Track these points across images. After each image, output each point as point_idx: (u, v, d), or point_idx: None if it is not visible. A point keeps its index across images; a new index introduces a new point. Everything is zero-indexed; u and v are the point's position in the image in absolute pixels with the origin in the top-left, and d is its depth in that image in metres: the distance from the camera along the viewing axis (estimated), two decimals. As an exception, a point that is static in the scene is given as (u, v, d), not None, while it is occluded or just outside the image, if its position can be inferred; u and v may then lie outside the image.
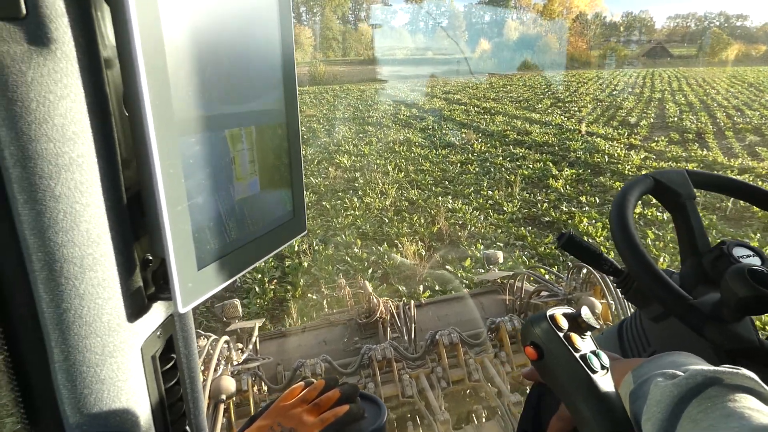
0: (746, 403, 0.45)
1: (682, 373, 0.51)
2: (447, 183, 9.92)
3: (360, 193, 9.15)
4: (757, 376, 0.50)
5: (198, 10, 0.51)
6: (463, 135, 15.25)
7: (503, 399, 2.30)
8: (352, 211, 8.01)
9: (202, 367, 2.22)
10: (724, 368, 0.50)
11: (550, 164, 11.13)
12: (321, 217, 8.01)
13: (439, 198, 8.78)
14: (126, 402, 0.52)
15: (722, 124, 16.07)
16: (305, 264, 5.82)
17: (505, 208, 8.10)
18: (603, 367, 0.59)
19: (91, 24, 0.46)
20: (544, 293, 2.91)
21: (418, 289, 5.24)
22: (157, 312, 0.57)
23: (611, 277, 0.97)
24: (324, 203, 8.53)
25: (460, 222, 7.44)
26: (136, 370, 0.54)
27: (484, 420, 2.48)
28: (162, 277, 0.56)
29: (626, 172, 10.39)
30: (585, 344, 0.60)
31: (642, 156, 11.73)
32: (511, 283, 3.19)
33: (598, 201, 8.47)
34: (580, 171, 10.55)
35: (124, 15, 0.43)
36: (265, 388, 2.43)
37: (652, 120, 17.39)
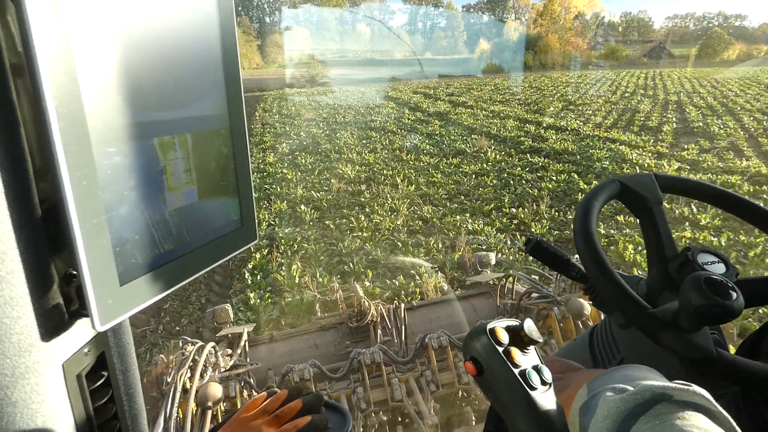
0: (695, 421, 0.44)
1: (631, 388, 0.50)
2: (463, 198, 8.88)
3: (367, 209, 8.19)
4: (709, 391, 0.49)
5: (118, 9, 0.50)
6: (474, 141, 14.11)
7: (493, 402, 2.28)
8: (360, 233, 7.04)
9: (189, 374, 2.20)
10: (675, 384, 0.48)
11: (575, 176, 10.01)
12: (324, 239, 6.98)
13: (456, 216, 7.72)
14: (43, 424, 0.50)
15: (752, 129, 14.71)
16: (307, 298, 4.72)
17: (532, 230, 7.10)
18: (544, 383, 0.57)
19: None
20: (534, 295, 2.88)
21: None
22: (85, 328, 0.56)
23: (579, 284, 0.96)
24: (327, 221, 7.60)
25: (484, 247, 6.36)
26: (55, 390, 0.52)
27: (474, 423, 2.46)
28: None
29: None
30: (527, 359, 0.58)
31: (675, 167, 10.61)
32: (502, 284, 3.17)
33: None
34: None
35: (23, 14, 0.41)
36: (254, 393, 2.41)
37: (675, 125, 16.22)
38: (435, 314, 3.17)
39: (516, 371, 0.56)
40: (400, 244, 6.63)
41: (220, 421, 2.23)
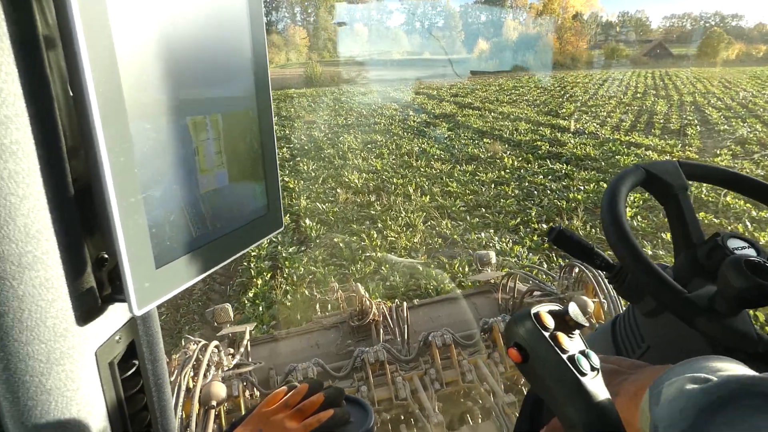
0: None
1: (714, 378, 0.46)
2: (484, 210, 8.09)
3: (379, 224, 7.32)
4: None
5: None
6: (486, 145, 13.37)
7: (497, 400, 2.27)
8: (373, 253, 6.23)
9: (192, 373, 2.17)
10: (763, 375, 0.44)
11: (605, 186, 8.78)
12: (334, 259, 6.23)
13: (480, 234, 6.88)
14: (77, 413, 0.48)
15: (784, 132, 13.75)
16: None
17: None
18: (593, 368, 0.55)
19: None
20: (536, 293, 2.88)
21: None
22: (116, 315, 0.53)
23: (604, 273, 0.94)
24: (335, 239, 6.74)
25: (521, 272, 5.15)
26: (89, 377, 0.50)
27: (479, 421, 2.45)
28: (118, 276, 0.52)
29: (708, 198, 7.99)
30: (573, 344, 0.56)
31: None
32: (504, 283, 3.17)
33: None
34: (646, 196, 7.77)
35: None
36: (257, 393, 2.39)
37: (698, 127, 15.29)
38: (436, 313, 3.16)
39: (564, 356, 0.54)
40: (420, 268, 5.77)
41: (223, 421, 2.20)
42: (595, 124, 16.49)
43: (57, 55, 0.45)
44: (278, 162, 0.72)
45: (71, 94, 0.46)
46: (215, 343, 2.34)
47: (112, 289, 0.52)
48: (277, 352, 2.83)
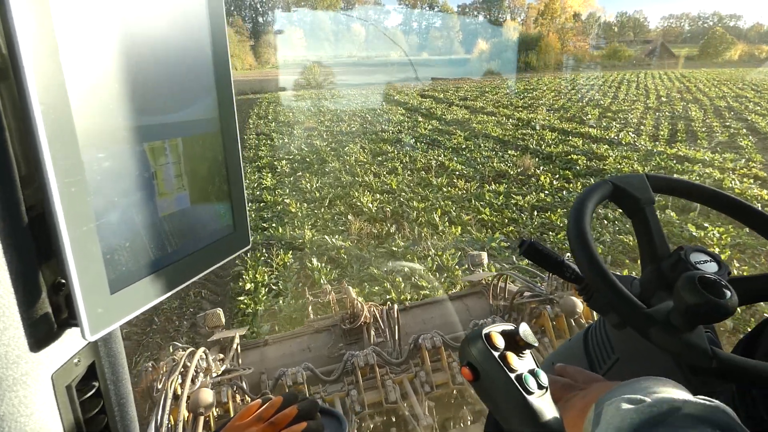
0: None
1: (649, 399, 0.48)
2: None
3: (405, 266, 5.90)
4: (705, 390, 0.48)
5: (108, 13, 0.48)
6: (514, 159, 11.55)
7: (487, 402, 2.28)
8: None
9: (180, 380, 2.17)
10: (697, 399, 0.46)
11: (672, 214, 7.20)
12: None
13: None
14: None
15: None
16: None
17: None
18: (540, 387, 0.57)
19: None
20: (527, 294, 2.89)
21: None
22: (75, 338, 0.54)
23: (574, 286, 0.96)
24: (351, 289, 4.77)
25: None
26: (45, 402, 0.50)
27: (469, 423, 2.46)
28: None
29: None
30: (522, 363, 0.58)
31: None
32: (495, 284, 3.18)
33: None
34: (730, 228, 6.43)
35: (8, 15, 0.40)
36: (247, 398, 2.39)
37: (750, 138, 13.43)
38: (428, 314, 3.17)
39: (512, 376, 0.56)
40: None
41: (212, 427, 2.21)
42: (629, 133, 14.62)
43: (9, 85, 0.46)
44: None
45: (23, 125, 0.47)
46: (203, 349, 2.34)
47: (68, 313, 0.52)
48: (269, 356, 2.84)
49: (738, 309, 0.74)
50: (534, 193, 8.86)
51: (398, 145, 14.34)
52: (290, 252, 6.52)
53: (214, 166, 0.66)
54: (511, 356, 0.57)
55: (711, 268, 0.85)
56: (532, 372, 0.57)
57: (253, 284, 5.63)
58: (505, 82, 43.36)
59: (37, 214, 0.48)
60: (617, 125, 16.46)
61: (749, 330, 0.91)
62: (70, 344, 0.53)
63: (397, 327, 2.83)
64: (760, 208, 0.94)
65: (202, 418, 2.09)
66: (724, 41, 70.97)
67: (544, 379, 0.57)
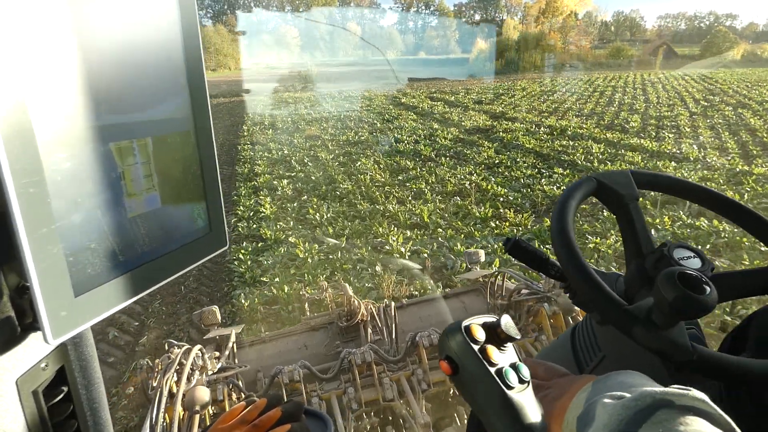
0: (697, 426, 0.44)
1: (628, 395, 0.49)
2: None
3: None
4: (689, 386, 0.48)
5: (70, 8, 0.47)
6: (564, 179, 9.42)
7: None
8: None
9: (176, 378, 2.17)
10: (674, 389, 0.47)
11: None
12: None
13: None
14: None
15: None
16: None
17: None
18: (522, 381, 0.55)
19: None
20: (524, 291, 2.88)
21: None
22: (42, 343, 0.53)
23: (559, 283, 0.95)
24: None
25: None
26: (9, 408, 0.50)
27: (465, 421, 2.45)
28: None
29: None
30: (504, 357, 0.57)
31: None
32: (492, 281, 3.17)
33: None
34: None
35: None
36: (243, 396, 2.39)
37: None
38: (425, 312, 3.16)
39: (492, 370, 0.54)
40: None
41: (208, 425, 2.20)
42: (691, 146, 12.28)
43: None
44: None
45: None
46: (198, 346, 2.34)
47: (33, 317, 0.51)
48: (265, 354, 2.84)
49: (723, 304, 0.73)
50: (613, 232, 6.33)
51: (418, 160, 12.20)
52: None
53: (187, 165, 0.65)
54: (491, 349, 0.56)
55: (694, 264, 0.85)
56: (513, 366, 0.56)
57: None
58: (515, 83, 39.32)
59: None
60: (670, 135, 13.93)
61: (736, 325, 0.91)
62: (36, 349, 0.53)
63: (394, 325, 2.83)
64: (742, 203, 0.94)
65: (197, 417, 2.09)
66: (727, 40, 69.75)
67: (525, 373, 0.56)
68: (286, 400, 0.80)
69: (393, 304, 3.02)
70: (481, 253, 3.61)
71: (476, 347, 0.56)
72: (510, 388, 0.54)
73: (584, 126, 16.26)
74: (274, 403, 0.78)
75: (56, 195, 0.47)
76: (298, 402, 0.79)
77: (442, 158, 12.17)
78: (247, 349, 2.86)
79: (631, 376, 0.56)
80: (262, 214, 8.32)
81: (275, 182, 10.52)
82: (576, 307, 2.51)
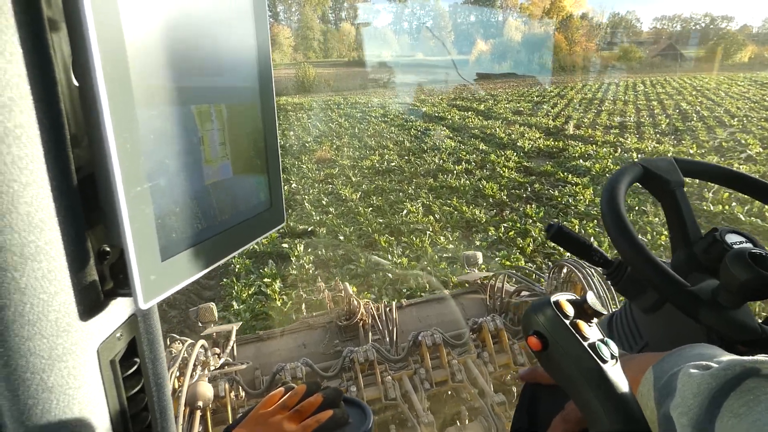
0: None
1: (716, 365, 0.48)
2: None
3: None
4: None
5: None
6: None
7: (487, 399, 2.28)
8: None
9: (178, 373, 2.13)
10: (762, 357, 0.47)
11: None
12: None
13: None
14: (80, 412, 0.46)
15: None
16: None
17: None
18: (613, 356, 0.55)
19: None
20: (524, 293, 2.90)
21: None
22: (117, 311, 0.51)
23: (601, 269, 0.95)
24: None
25: None
26: (91, 375, 0.48)
27: (467, 421, 2.45)
28: (121, 270, 0.50)
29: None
30: (593, 332, 0.56)
31: None
32: (491, 283, 3.18)
33: None
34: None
35: None
36: (243, 393, 2.36)
37: None
38: (424, 313, 3.16)
39: (585, 344, 0.54)
40: None
41: (209, 422, 2.16)
42: None
43: (60, 38, 0.43)
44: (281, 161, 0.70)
45: (73, 79, 0.44)
46: (202, 341, 2.30)
47: (114, 283, 0.50)
48: (264, 352, 2.80)
49: None
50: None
51: (484, 204, 8.44)
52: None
53: (253, 138, 0.64)
54: (582, 324, 0.55)
55: (750, 247, 0.85)
56: (603, 341, 0.55)
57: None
58: (533, 88, 34.74)
59: (85, 176, 0.46)
60: (763, 151, 11.20)
61: None
62: (113, 317, 0.51)
63: (394, 325, 2.82)
64: None
65: (198, 412, 2.05)
66: (735, 42, 68.11)
67: (615, 348, 0.55)
68: (323, 387, 0.79)
69: (393, 304, 3.02)
70: (479, 255, 3.62)
71: (567, 322, 0.55)
72: (604, 362, 0.53)
73: (683, 152, 11.92)
74: (313, 389, 0.77)
75: (148, 154, 0.45)
76: (337, 389, 0.78)
77: (519, 202, 8.43)
78: (246, 347, 2.82)
79: (709, 348, 0.56)
80: (262, 314, 5.05)
81: (284, 246, 6.62)
82: None
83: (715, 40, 71.01)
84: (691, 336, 0.78)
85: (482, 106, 23.66)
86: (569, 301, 0.58)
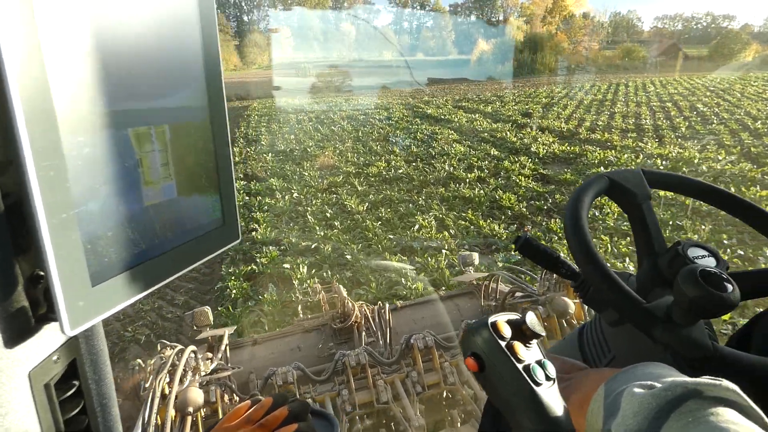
0: (728, 416, 0.44)
1: (659, 385, 0.49)
2: None
3: None
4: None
5: None
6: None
7: (479, 402, 2.27)
8: None
9: (168, 379, 2.13)
10: (705, 380, 0.47)
11: None
12: None
13: None
14: None
15: None
16: None
17: None
18: (548, 378, 0.55)
19: None
20: (518, 294, 2.89)
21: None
22: (54, 334, 0.51)
23: (569, 282, 0.94)
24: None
25: None
26: (21, 401, 0.48)
27: (459, 424, 2.45)
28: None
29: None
30: (530, 354, 0.56)
31: None
32: (486, 284, 3.17)
33: None
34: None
35: None
36: (236, 398, 2.36)
37: None
38: (419, 315, 3.15)
39: (520, 366, 0.54)
40: None
41: (200, 427, 2.17)
42: None
43: None
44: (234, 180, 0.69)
45: None
46: (192, 347, 2.31)
47: (47, 307, 0.50)
48: (257, 356, 2.80)
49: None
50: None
51: (503, 216, 7.74)
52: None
53: (202, 156, 0.63)
54: (518, 346, 0.55)
55: (709, 262, 0.84)
56: (539, 363, 0.55)
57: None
58: (539, 88, 32.87)
59: (12, 202, 0.46)
60: None
61: (743, 324, 0.91)
62: (48, 341, 0.51)
63: (388, 327, 2.81)
64: (754, 203, 0.94)
65: (189, 419, 2.05)
66: (739, 41, 66.78)
67: (551, 370, 0.56)
68: (291, 399, 0.78)
69: (387, 306, 3.01)
70: (475, 255, 3.61)
71: (503, 343, 0.55)
72: (538, 384, 0.53)
73: (720, 160, 10.80)
74: (279, 402, 0.76)
75: (75, 180, 0.45)
76: (304, 401, 0.78)
77: (541, 215, 7.62)
78: (239, 351, 2.82)
79: (658, 368, 0.56)
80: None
81: (285, 266, 6.01)
82: (570, 311, 2.51)
83: (719, 39, 69.83)
84: (652, 352, 0.77)
85: (488, 107, 23.21)
86: (508, 321, 0.58)
